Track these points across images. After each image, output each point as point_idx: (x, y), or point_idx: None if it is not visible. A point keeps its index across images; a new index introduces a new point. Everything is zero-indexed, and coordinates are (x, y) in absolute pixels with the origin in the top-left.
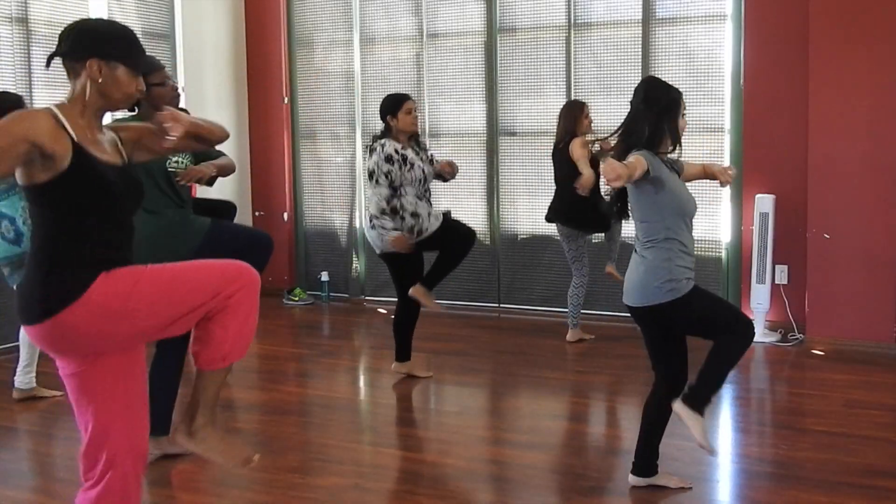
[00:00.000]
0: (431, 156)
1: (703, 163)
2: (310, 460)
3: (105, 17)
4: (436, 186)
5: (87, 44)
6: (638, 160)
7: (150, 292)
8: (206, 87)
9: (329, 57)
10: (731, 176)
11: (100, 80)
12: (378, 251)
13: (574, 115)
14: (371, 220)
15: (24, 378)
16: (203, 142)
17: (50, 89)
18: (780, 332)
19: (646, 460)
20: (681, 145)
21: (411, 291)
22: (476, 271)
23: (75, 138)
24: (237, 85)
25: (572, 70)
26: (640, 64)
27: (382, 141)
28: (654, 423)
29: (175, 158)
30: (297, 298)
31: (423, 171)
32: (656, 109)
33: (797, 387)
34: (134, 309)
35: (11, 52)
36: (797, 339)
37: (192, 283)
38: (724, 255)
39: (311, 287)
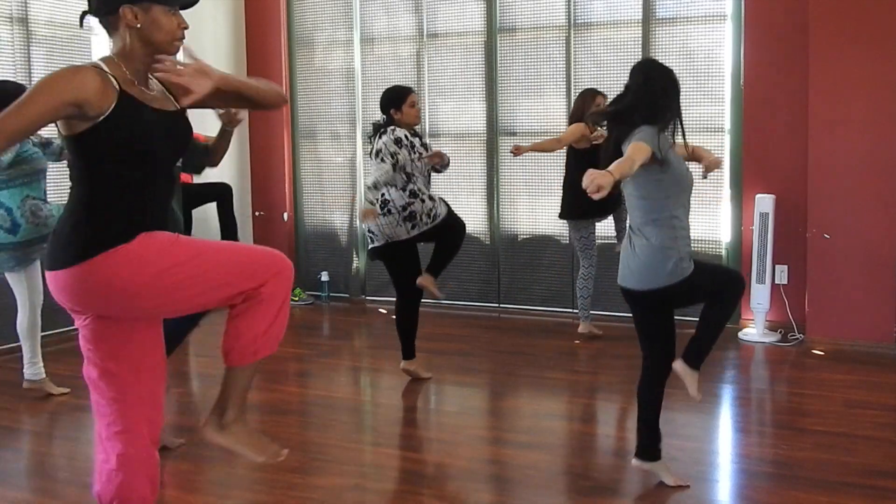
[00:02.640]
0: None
1: (692, 145)
2: (310, 460)
3: None
4: (435, 186)
5: None
6: (638, 148)
7: (187, 257)
8: None
9: (329, 56)
10: (717, 166)
11: (138, 26)
12: (377, 242)
13: (584, 103)
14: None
15: (32, 370)
16: (251, 103)
17: None
18: (780, 332)
19: (647, 443)
20: (683, 127)
21: (420, 280)
22: (476, 271)
23: (120, 87)
24: None
25: (572, 70)
26: None
27: (392, 126)
28: (649, 404)
29: None
30: (297, 298)
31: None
32: (661, 86)
33: (797, 387)
34: (167, 269)
35: (11, 52)
36: (797, 339)
37: (227, 260)
38: (724, 255)
39: (311, 287)
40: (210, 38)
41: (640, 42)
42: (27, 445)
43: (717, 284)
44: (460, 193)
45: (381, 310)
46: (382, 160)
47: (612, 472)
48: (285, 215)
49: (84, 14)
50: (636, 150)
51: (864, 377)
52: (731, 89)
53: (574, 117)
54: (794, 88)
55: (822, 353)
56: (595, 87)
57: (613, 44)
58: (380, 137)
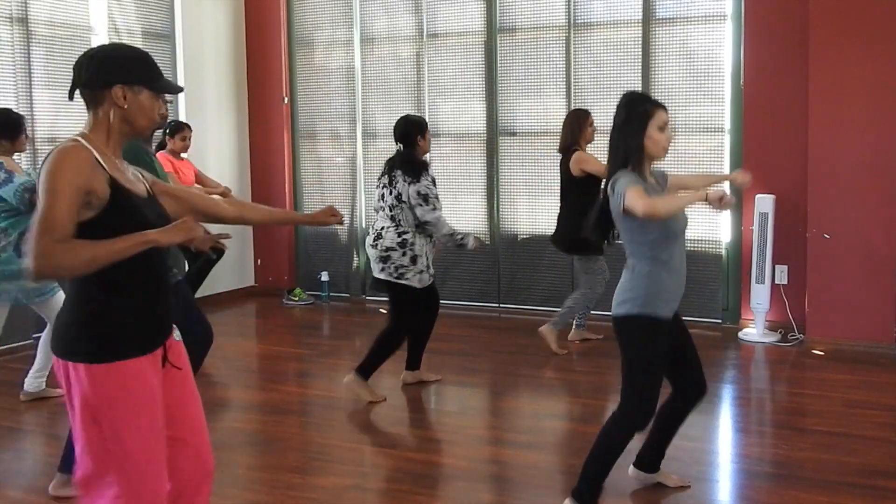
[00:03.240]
0: None
1: (700, 178)
2: (310, 460)
3: (105, 17)
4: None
5: (108, 70)
6: (633, 195)
7: (114, 431)
8: (206, 87)
9: (329, 56)
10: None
11: (125, 107)
12: (422, 283)
13: (578, 124)
14: (413, 255)
15: (34, 382)
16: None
17: (50, 90)
18: (780, 332)
19: (650, 457)
20: (639, 163)
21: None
22: (476, 271)
23: (108, 170)
24: (237, 85)
25: (572, 70)
26: (640, 64)
27: (420, 166)
28: (667, 425)
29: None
30: (297, 298)
31: None
32: (618, 122)
33: (797, 387)
34: (100, 413)
35: (11, 52)
36: (797, 339)
37: (130, 464)
38: (724, 254)
39: (311, 287)
40: (210, 38)
41: (640, 42)
42: (27, 445)
43: (633, 382)
44: (460, 193)
45: (381, 310)
46: (434, 206)
47: (611, 472)
48: None
49: (73, 88)
50: (634, 197)
51: (864, 377)
52: (731, 89)
53: (572, 139)
54: (794, 88)
55: (822, 353)
56: (595, 87)
57: (613, 44)
58: (418, 180)
